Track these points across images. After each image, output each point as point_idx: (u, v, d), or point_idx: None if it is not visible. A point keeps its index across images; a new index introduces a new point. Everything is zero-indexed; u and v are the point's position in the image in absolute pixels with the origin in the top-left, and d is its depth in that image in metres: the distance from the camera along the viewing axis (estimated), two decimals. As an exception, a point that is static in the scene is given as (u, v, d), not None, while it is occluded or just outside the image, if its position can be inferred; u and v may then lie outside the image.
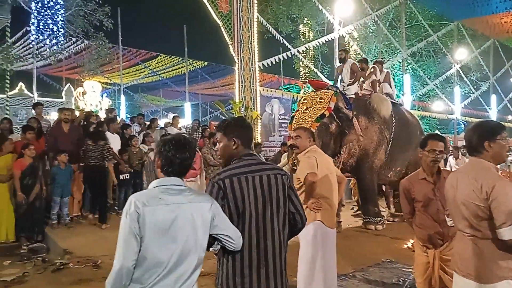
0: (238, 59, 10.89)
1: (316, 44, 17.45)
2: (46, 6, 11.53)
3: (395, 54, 21.52)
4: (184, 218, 1.96)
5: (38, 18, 11.67)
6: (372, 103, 8.10)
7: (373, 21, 19.37)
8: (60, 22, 11.82)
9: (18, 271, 5.44)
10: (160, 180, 2.05)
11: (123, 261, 1.88)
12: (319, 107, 7.24)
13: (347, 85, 8.46)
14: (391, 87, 9.17)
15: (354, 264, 5.60)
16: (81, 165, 7.35)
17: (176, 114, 12.06)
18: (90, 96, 19.81)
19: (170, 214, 1.93)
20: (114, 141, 7.99)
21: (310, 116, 7.17)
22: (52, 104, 21.21)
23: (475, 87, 25.35)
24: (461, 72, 23.41)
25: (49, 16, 11.61)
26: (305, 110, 7.32)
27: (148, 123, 10.14)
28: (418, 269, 3.32)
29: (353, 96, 8.30)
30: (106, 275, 5.27)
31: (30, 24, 12.18)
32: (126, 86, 24.61)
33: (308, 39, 22.08)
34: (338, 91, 7.67)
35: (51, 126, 8.11)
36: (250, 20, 11.04)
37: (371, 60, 22.03)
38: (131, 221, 1.88)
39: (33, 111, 8.82)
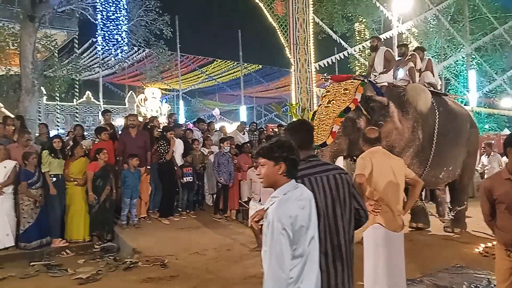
0: (294, 61, 10.88)
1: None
2: (110, 18, 12.19)
3: (458, 50, 20.55)
4: (311, 214, 2.20)
5: (104, 30, 12.35)
6: (407, 95, 6.82)
7: (434, 16, 18.60)
8: (124, 33, 12.43)
9: (92, 269, 5.75)
10: (283, 188, 2.19)
11: (285, 269, 2.03)
12: (343, 100, 6.29)
13: (379, 74, 7.35)
14: (434, 76, 7.99)
15: (421, 269, 5.39)
16: (148, 168, 7.68)
17: (243, 121, 12.29)
18: (151, 102, 20.65)
19: (306, 214, 2.15)
20: (178, 145, 8.28)
21: (333, 110, 6.23)
22: (116, 110, 22.34)
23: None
24: (531, 65, 21.88)
25: (113, 27, 12.25)
26: (327, 103, 6.39)
27: (205, 126, 10.39)
28: (500, 275, 3.14)
29: (385, 84, 7.08)
30: (173, 274, 5.51)
31: (96, 36, 12.90)
32: (184, 91, 25.39)
33: (364, 38, 21.62)
34: (365, 80, 6.69)
35: (120, 132, 8.54)
36: (306, 21, 11.00)
37: (433, 57, 21.26)
38: (289, 231, 2.03)
39: (102, 117, 9.35)
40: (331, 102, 6.34)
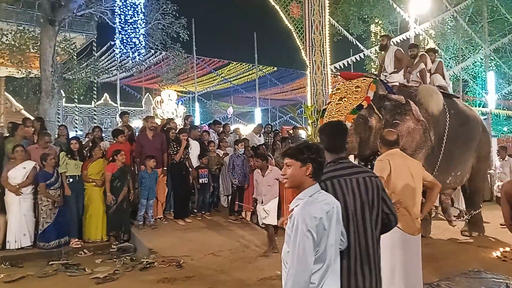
0: (310, 63, 10.84)
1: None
2: (128, 21, 12.36)
3: (477, 51, 20.21)
4: (335, 219, 2.16)
5: (122, 33, 12.53)
6: (419, 96, 6.66)
7: (452, 16, 18.35)
8: (141, 36, 12.60)
9: (109, 268, 5.82)
10: (308, 191, 2.20)
11: (308, 271, 2.04)
12: (355, 97, 6.20)
13: (390, 73, 7.24)
14: (444, 78, 7.83)
15: (438, 273, 5.33)
16: (165, 169, 7.75)
17: (260, 123, 12.32)
18: (167, 104, 20.90)
19: (329, 219, 2.12)
20: (194, 147, 8.34)
21: (345, 107, 6.15)
22: (133, 112, 22.63)
23: None
24: (552, 67, 21.41)
25: (131, 31, 12.43)
26: (338, 101, 6.33)
27: (221, 129, 10.45)
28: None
29: (396, 84, 6.98)
30: (188, 274, 5.55)
31: (114, 39, 13.10)
32: (200, 93, 25.57)
33: (380, 39, 21.46)
34: (377, 78, 6.62)
35: (138, 133, 8.65)
36: (322, 23, 10.95)
37: (450, 58, 20.96)
38: (314, 233, 2.05)
39: (120, 119, 9.48)
40: (343, 100, 6.26)
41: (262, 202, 6.62)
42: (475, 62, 20.24)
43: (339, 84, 6.77)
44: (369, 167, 6.37)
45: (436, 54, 8.30)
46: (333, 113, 6.19)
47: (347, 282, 2.31)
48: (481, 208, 7.84)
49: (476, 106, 20.33)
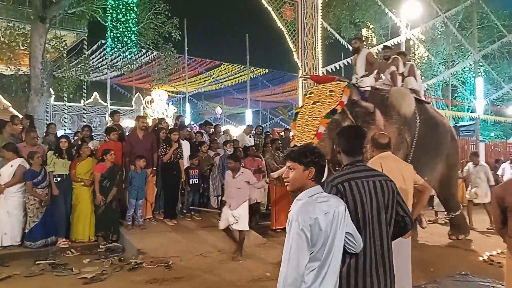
0: (302, 65, 10.90)
1: (381, 49, 17.03)
2: (120, 20, 12.27)
3: (466, 57, 20.49)
4: (336, 221, 2.16)
5: (113, 32, 12.43)
6: (391, 98, 6.64)
7: (442, 22, 18.56)
8: (133, 35, 12.52)
9: (96, 269, 5.76)
10: (308, 191, 2.22)
11: (299, 270, 2.05)
12: (329, 101, 6.15)
13: (361, 77, 7.20)
14: (416, 81, 7.71)
15: (426, 276, 5.38)
16: (154, 169, 7.71)
17: (250, 124, 12.30)
18: (157, 104, 20.79)
19: (329, 221, 2.13)
20: (185, 147, 8.31)
21: (319, 111, 6.10)
22: (123, 112, 22.47)
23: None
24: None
25: (122, 30, 12.35)
26: (312, 104, 6.25)
27: (212, 130, 10.44)
28: (511, 284, 3.12)
29: (368, 89, 6.96)
30: (177, 275, 5.52)
31: (105, 37, 13.00)
32: (190, 94, 25.50)
33: (371, 44, 21.61)
34: (350, 83, 6.60)
35: (128, 133, 8.59)
36: (314, 26, 11.03)
37: (440, 63, 21.17)
38: (307, 232, 2.06)
39: (110, 118, 9.41)
40: (316, 104, 6.21)
41: (230, 206, 6.38)
42: (465, 67, 20.52)
43: (312, 87, 6.73)
44: None
45: (407, 57, 8.25)
46: (307, 116, 6.15)
47: (362, 283, 2.35)
48: (461, 209, 8.01)
49: (464, 111, 20.59)
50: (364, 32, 24.19)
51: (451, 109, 20.32)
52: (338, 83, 6.38)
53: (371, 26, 23.07)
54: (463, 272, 5.58)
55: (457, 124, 19.49)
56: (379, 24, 21.67)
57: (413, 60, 21.01)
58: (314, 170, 2.22)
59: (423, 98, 7.81)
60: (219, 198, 8.61)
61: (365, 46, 7.79)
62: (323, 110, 6.08)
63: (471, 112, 19.89)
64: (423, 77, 21.24)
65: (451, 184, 7.88)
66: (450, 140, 7.71)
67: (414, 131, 6.79)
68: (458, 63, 20.51)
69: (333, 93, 6.21)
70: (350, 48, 8.89)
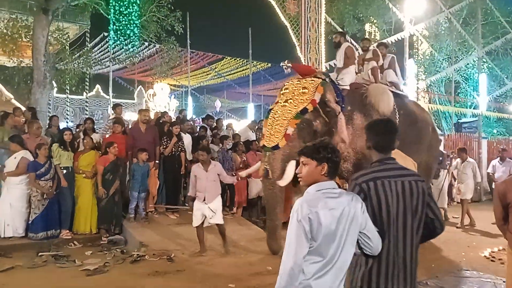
0: (305, 60, 10.86)
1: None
2: (123, 13, 12.24)
3: (470, 53, 20.37)
4: (346, 219, 2.13)
5: (116, 24, 12.41)
6: (369, 97, 6.47)
7: (446, 18, 18.45)
8: (135, 28, 12.49)
9: (99, 261, 5.80)
10: (319, 185, 2.21)
11: (296, 259, 2.06)
12: (301, 100, 5.83)
13: (336, 68, 6.98)
14: (396, 74, 7.56)
15: (427, 272, 5.39)
16: (157, 162, 7.72)
17: (254, 119, 12.26)
18: (159, 98, 20.80)
19: (335, 217, 2.11)
20: (186, 140, 8.32)
21: (290, 111, 5.80)
22: (126, 105, 22.45)
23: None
24: (543, 71, 21.67)
25: (125, 22, 12.31)
26: (284, 102, 5.94)
27: (214, 123, 10.46)
28: (512, 280, 3.13)
29: (347, 87, 6.70)
30: (179, 268, 5.54)
31: (108, 30, 12.98)
32: (193, 87, 25.47)
33: (374, 39, 21.52)
34: (327, 79, 6.23)
35: (130, 126, 8.60)
36: (318, 20, 10.98)
37: (444, 59, 21.06)
38: (305, 223, 2.07)
39: (112, 111, 9.41)
40: (288, 101, 5.90)
41: (204, 200, 6.13)
42: (468, 64, 20.41)
43: (288, 82, 6.31)
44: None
45: (388, 48, 8.07)
46: (277, 115, 5.86)
47: (384, 285, 2.29)
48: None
49: (467, 108, 20.53)
50: (367, 27, 24.09)
51: (454, 105, 20.25)
52: (312, 80, 6.04)
53: (375, 21, 22.95)
54: (464, 268, 5.60)
55: (459, 121, 19.45)
56: (383, 19, 21.55)
57: (416, 56, 21.00)
58: (327, 166, 2.22)
59: (402, 92, 7.67)
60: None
61: (346, 40, 7.57)
62: (293, 109, 5.80)
63: (474, 108, 19.81)
64: (426, 73, 21.18)
65: (429, 175, 7.62)
66: (431, 133, 7.63)
67: None
68: (461, 59, 20.39)
69: (306, 90, 5.88)
70: (355, 44, 8.64)
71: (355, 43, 7.65)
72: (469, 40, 19.16)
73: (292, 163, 5.65)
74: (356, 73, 7.23)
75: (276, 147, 5.67)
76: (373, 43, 8.22)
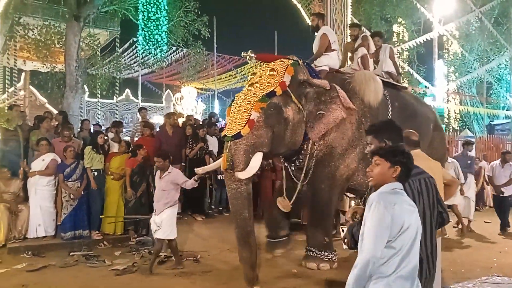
0: (330, 62, 10.80)
1: (413, 45, 16.71)
2: (151, 18, 12.52)
3: (502, 53, 19.79)
4: (416, 216, 2.24)
5: (144, 30, 12.70)
6: (353, 84, 5.55)
7: (477, 17, 18.00)
8: (163, 33, 12.74)
9: (127, 261, 5.94)
10: (392, 184, 2.28)
11: (374, 251, 2.10)
12: (268, 83, 4.98)
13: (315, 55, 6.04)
14: (396, 67, 6.85)
15: (456, 277, 5.28)
16: (183, 165, 7.84)
17: None
18: (187, 101, 21.05)
19: (410, 212, 2.20)
20: (213, 143, 8.41)
21: (254, 94, 4.91)
22: (154, 108, 22.85)
23: None
24: None
25: (154, 28, 12.59)
26: (249, 86, 5.07)
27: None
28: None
29: (326, 69, 5.86)
30: (205, 269, 5.57)
31: (137, 35, 13.29)
32: (219, 91, 25.66)
33: (402, 39, 21.18)
34: (299, 61, 5.44)
35: (157, 129, 8.77)
36: (344, 22, 10.90)
37: (475, 60, 20.49)
38: (388, 217, 2.11)
39: (138, 114, 9.62)
40: (254, 85, 5.02)
41: (155, 211, 5.60)
42: (500, 64, 19.84)
43: (256, 68, 5.50)
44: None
45: (384, 38, 7.43)
46: (240, 100, 4.94)
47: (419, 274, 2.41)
48: None
49: (499, 109, 19.94)
50: (395, 28, 23.75)
51: (486, 106, 19.71)
52: (281, 61, 5.23)
53: (403, 22, 22.59)
54: (495, 274, 5.45)
55: (491, 122, 18.91)
56: (411, 19, 21.18)
57: (446, 57, 20.54)
58: (400, 170, 2.25)
59: (397, 82, 6.80)
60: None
61: (324, 24, 6.68)
62: (259, 93, 4.90)
63: (506, 109, 19.23)
64: (456, 74, 20.67)
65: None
66: (434, 131, 6.70)
67: None
68: (493, 59, 19.84)
69: (274, 73, 5.05)
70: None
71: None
72: (501, 40, 18.63)
73: (258, 156, 4.86)
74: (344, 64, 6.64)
75: (238, 136, 4.71)
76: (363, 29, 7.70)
